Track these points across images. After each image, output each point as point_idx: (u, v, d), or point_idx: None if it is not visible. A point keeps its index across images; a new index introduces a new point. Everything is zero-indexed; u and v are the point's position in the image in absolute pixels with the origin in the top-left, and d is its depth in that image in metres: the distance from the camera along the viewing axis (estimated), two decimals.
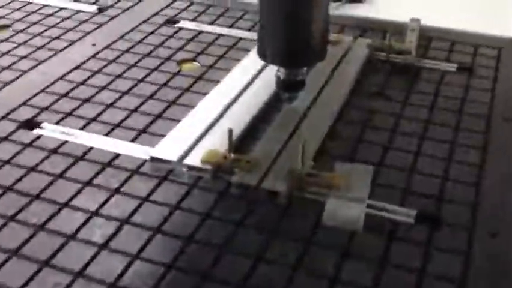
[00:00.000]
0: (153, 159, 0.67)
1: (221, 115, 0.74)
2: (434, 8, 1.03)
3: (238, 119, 0.74)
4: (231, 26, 0.99)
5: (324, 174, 0.63)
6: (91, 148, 0.70)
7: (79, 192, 0.63)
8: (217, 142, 0.68)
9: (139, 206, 0.62)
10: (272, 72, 0.71)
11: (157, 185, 0.64)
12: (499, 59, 0.89)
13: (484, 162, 0.68)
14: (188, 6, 1.06)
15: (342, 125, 0.74)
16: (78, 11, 1.05)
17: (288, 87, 0.70)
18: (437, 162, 0.68)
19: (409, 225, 0.59)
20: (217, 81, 0.83)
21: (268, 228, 0.59)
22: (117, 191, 0.64)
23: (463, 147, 0.70)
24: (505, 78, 0.84)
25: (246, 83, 0.81)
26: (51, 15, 1.04)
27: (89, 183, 0.65)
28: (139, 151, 0.69)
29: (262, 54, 0.67)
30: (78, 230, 0.59)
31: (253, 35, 0.90)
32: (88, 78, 0.85)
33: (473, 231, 0.58)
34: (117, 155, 0.69)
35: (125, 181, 0.65)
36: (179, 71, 0.87)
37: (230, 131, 0.64)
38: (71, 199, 0.63)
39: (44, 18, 1.03)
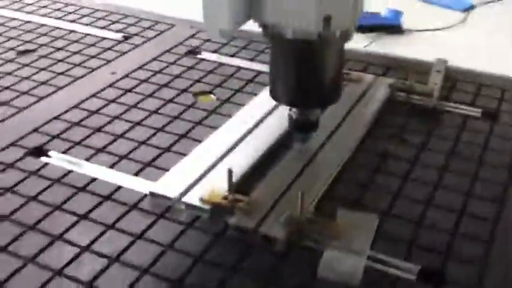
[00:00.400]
0: (153, 195, 0.66)
1: (228, 151, 0.72)
2: (476, 48, 1.00)
3: (246, 156, 0.72)
4: (252, 60, 0.98)
5: (325, 221, 0.60)
6: (94, 179, 0.69)
7: (73, 225, 0.62)
8: (220, 180, 0.66)
9: (132, 243, 0.60)
10: (287, 108, 0.70)
11: (153, 222, 0.63)
12: None
13: (500, 217, 0.63)
14: (212, 37, 1.05)
15: (352, 169, 0.71)
16: (103, 38, 1.06)
17: (300, 127, 0.68)
18: (449, 214, 0.64)
19: (411, 281, 0.56)
20: (230, 116, 0.81)
21: (262, 275, 0.56)
22: (112, 226, 0.62)
23: (479, 200, 0.66)
24: None
25: (259, 118, 0.79)
26: (77, 41, 1.05)
27: (85, 216, 0.64)
28: (141, 185, 0.68)
29: (274, 95, 0.66)
30: (66, 265, 0.57)
31: None
32: (103, 107, 0.85)
33: None
34: (118, 188, 0.68)
35: (122, 216, 0.64)
36: (194, 103, 0.86)
37: (230, 172, 0.62)
38: (64, 232, 0.61)
39: (69, 44, 1.04)
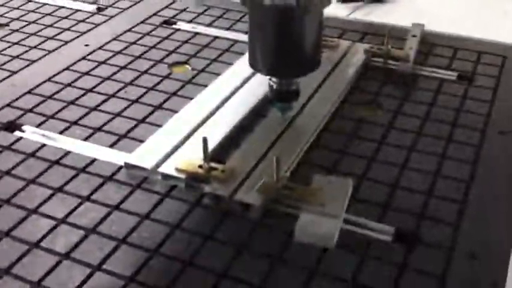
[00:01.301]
0: (128, 166, 0.65)
1: (204, 121, 0.72)
2: (456, 13, 1.00)
3: (221, 125, 0.71)
4: (228, 28, 0.97)
5: (300, 187, 0.60)
6: (68, 152, 0.69)
7: (49, 198, 0.62)
8: (196, 150, 0.65)
9: (108, 214, 0.60)
10: (262, 77, 0.70)
11: (129, 193, 0.63)
12: (502, 68, 0.85)
13: (473, 178, 0.64)
14: (187, 7, 1.04)
15: (328, 135, 0.71)
16: (77, 10, 1.04)
17: (281, 97, 0.68)
18: (424, 177, 0.64)
19: (386, 243, 0.56)
20: (206, 86, 0.80)
21: (238, 242, 0.56)
22: (88, 198, 0.62)
23: (453, 161, 0.67)
24: (505, 89, 0.80)
25: (234, 88, 0.79)
26: (50, 14, 1.03)
27: (60, 189, 0.63)
28: (116, 157, 0.68)
29: (253, 64, 0.66)
30: (42, 238, 0.57)
31: None
32: (76, 80, 0.84)
33: (452, 252, 0.55)
34: (93, 161, 0.67)
35: (98, 188, 0.63)
36: (169, 74, 0.85)
37: (205, 140, 0.62)
38: (40, 205, 0.61)
39: (42, 17, 1.02)
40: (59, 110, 0.77)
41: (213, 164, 0.63)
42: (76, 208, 0.61)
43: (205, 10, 1.03)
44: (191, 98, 0.78)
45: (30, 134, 0.72)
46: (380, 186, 0.63)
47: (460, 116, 0.75)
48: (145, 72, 0.85)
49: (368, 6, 1.20)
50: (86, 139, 0.71)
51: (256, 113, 0.74)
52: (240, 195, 0.60)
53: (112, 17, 1.02)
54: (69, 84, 0.82)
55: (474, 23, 1.01)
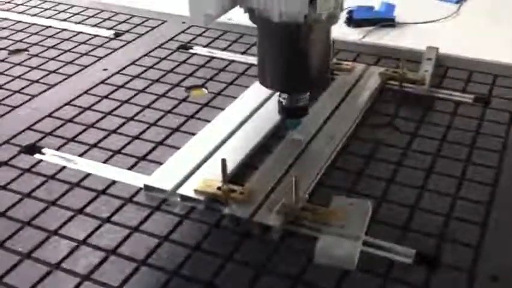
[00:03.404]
0: (147, 188, 0.66)
1: (221, 143, 0.73)
2: (468, 37, 1.00)
3: (239, 147, 0.72)
4: (243, 53, 0.98)
5: (319, 208, 0.60)
6: (88, 175, 0.70)
7: (69, 220, 0.63)
8: (214, 172, 0.66)
9: (128, 236, 0.60)
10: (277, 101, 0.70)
11: (148, 215, 0.63)
12: None
13: (493, 200, 0.64)
14: (204, 32, 1.06)
15: (346, 157, 0.72)
16: (95, 36, 1.06)
17: (289, 113, 0.68)
18: (443, 199, 0.64)
19: (406, 265, 0.56)
20: (223, 109, 0.81)
21: (258, 263, 0.56)
22: (108, 220, 0.62)
23: (472, 183, 0.67)
24: None
25: (251, 110, 0.79)
26: (68, 39, 1.05)
27: (81, 211, 0.64)
28: (135, 179, 0.68)
29: (262, 80, 0.67)
30: (63, 259, 0.57)
31: None
32: (95, 103, 0.85)
33: (474, 274, 0.55)
34: (113, 182, 0.68)
35: (117, 210, 0.64)
36: (187, 97, 0.86)
37: (224, 162, 0.62)
38: (60, 227, 0.62)
39: (60, 42, 1.04)
40: (79, 133, 0.78)
41: (231, 186, 0.63)
42: (96, 230, 0.61)
43: (221, 35, 1.05)
44: (208, 121, 0.78)
45: (51, 156, 0.73)
46: (399, 208, 0.63)
47: (477, 138, 0.75)
48: (163, 95, 0.86)
49: (379, 30, 1.21)
50: (105, 161, 0.72)
51: (274, 135, 0.75)
52: (259, 216, 0.60)
53: (129, 42, 1.04)
54: (88, 108, 0.83)
55: (487, 45, 1.01)
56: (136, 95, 0.87)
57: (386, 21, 1.19)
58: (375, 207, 0.62)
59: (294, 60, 0.62)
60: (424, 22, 1.17)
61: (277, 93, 0.68)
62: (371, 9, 1.35)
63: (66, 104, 0.84)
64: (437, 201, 0.64)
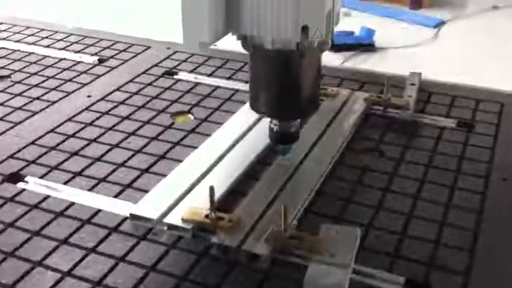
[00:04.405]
0: (133, 217, 0.65)
1: (208, 170, 0.72)
2: (448, 61, 1.02)
3: (226, 174, 0.71)
4: (229, 78, 0.98)
5: (308, 236, 0.60)
6: (73, 203, 0.68)
7: (53, 250, 0.61)
8: (202, 199, 0.65)
9: (114, 266, 0.59)
10: (265, 125, 0.70)
11: (135, 245, 0.62)
12: (500, 115, 0.86)
13: (480, 225, 0.64)
14: (188, 57, 1.06)
15: (333, 183, 0.71)
16: (78, 62, 1.05)
17: (281, 139, 0.68)
18: (430, 225, 0.64)
19: None
20: (209, 135, 0.81)
21: None
22: (93, 250, 0.61)
23: (458, 210, 0.67)
24: (506, 135, 0.81)
25: (238, 136, 0.79)
26: (51, 66, 1.04)
27: (65, 241, 0.63)
28: (121, 208, 0.67)
29: (254, 107, 0.67)
30: None
31: None
32: (79, 130, 0.84)
33: None
34: (98, 211, 0.67)
35: (103, 240, 0.63)
36: (172, 123, 0.85)
37: (211, 189, 0.62)
38: (45, 258, 0.60)
39: (44, 69, 1.03)
40: (63, 161, 0.76)
41: (219, 214, 0.63)
42: (81, 260, 0.60)
43: (206, 60, 1.05)
44: (195, 147, 0.78)
45: (34, 185, 0.72)
46: (388, 235, 0.63)
47: (462, 163, 0.75)
48: (148, 122, 0.86)
49: (359, 54, 1.22)
50: (90, 190, 0.71)
51: (261, 161, 0.75)
52: (247, 245, 0.60)
53: (113, 68, 1.03)
54: (72, 135, 0.82)
55: (467, 68, 1.03)
56: (120, 121, 0.86)
57: (366, 46, 1.20)
58: (363, 234, 0.62)
59: (286, 87, 0.63)
60: (404, 47, 1.18)
61: (265, 119, 0.68)
62: (351, 34, 1.37)
63: (50, 131, 0.83)
64: (425, 227, 0.64)
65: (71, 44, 1.13)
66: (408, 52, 1.19)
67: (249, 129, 0.80)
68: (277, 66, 0.62)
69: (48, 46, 1.12)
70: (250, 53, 0.63)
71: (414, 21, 1.36)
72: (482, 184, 0.71)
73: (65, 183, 0.72)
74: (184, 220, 0.63)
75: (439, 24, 1.37)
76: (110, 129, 0.84)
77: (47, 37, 1.16)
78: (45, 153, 0.79)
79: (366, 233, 0.63)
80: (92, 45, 1.12)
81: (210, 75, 1.00)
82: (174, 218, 0.64)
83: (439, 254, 0.60)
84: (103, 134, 0.83)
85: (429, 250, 0.61)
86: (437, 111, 0.87)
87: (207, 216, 0.63)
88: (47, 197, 0.70)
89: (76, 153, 0.78)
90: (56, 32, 1.17)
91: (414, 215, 0.66)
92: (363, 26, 1.37)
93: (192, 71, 1.01)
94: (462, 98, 0.91)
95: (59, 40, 1.14)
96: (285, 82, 0.63)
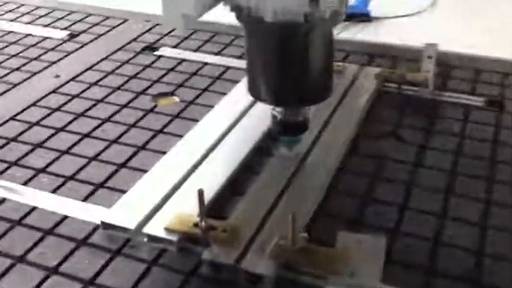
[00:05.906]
0: (105, 226, 0.54)
1: (197, 165, 0.61)
2: (453, 31, 0.91)
3: (219, 170, 0.61)
4: (218, 53, 0.88)
5: (322, 249, 0.49)
6: (33, 208, 0.58)
7: (7, 271, 0.50)
8: (189, 203, 0.54)
9: None
10: (263, 108, 0.61)
11: (107, 262, 0.52)
12: None
13: None
14: (171, 31, 0.94)
15: (347, 176, 0.61)
16: (46, 38, 0.94)
17: (286, 129, 0.59)
18: (468, 229, 0.53)
19: None
20: (197, 121, 0.69)
21: None
22: (56, 270, 0.50)
23: (501, 208, 0.56)
24: None
25: (231, 122, 0.68)
26: (15, 42, 0.93)
27: (22, 259, 0.52)
28: (91, 214, 0.56)
29: (253, 93, 0.57)
30: None
31: (243, 64, 0.78)
32: (45, 117, 0.74)
33: None
34: (64, 218, 0.57)
35: (68, 256, 0.52)
36: (154, 107, 0.75)
37: (201, 192, 0.50)
38: None
39: (6, 46, 0.93)
40: (24, 155, 0.66)
41: (211, 222, 0.51)
42: (40, 284, 0.49)
43: (191, 34, 0.94)
44: (181, 136, 0.68)
45: None
46: (419, 243, 0.52)
47: (497, 149, 0.64)
48: (125, 106, 0.76)
49: (354, 25, 1.11)
50: (55, 191, 0.61)
51: (260, 152, 0.64)
52: (247, 262, 0.49)
53: (85, 44, 0.93)
54: (36, 123, 0.72)
55: (468, 38, 0.91)
56: (93, 106, 0.76)
57: (361, 16, 1.11)
58: (389, 243, 0.51)
59: (292, 68, 0.54)
60: (400, 16, 1.08)
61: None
62: None
63: (9, 119, 0.73)
64: (463, 230, 0.53)
65: (38, 18, 1.03)
66: (405, 21, 1.08)
67: (245, 112, 0.70)
68: (281, 43, 0.53)
69: (12, 20, 1.02)
70: (247, 27, 0.54)
71: None
72: None
73: (26, 183, 0.62)
74: (168, 230, 0.53)
75: None
76: (81, 115, 0.74)
77: (11, 10, 1.06)
78: (3, 145, 0.68)
79: (393, 241, 0.52)
80: (62, 18, 1.01)
81: (196, 50, 0.89)
82: (156, 227, 0.53)
83: (485, 268, 0.49)
84: (72, 121, 0.73)
85: (471, 263, 0.49)
86: (460, 87, 0.77)
87: (195, 224, 0.52)
88: (3, 200, 0.59)
89: (39, 145, 0.69)
90: (22, 4, 1.07)
91: (449, 216, 0.55)
92: None
93: (175, 46, 0.91)
94: (487, 71, 0.80)
95: (25, 14, 1.05)
96: (290, 62, 0.54)
